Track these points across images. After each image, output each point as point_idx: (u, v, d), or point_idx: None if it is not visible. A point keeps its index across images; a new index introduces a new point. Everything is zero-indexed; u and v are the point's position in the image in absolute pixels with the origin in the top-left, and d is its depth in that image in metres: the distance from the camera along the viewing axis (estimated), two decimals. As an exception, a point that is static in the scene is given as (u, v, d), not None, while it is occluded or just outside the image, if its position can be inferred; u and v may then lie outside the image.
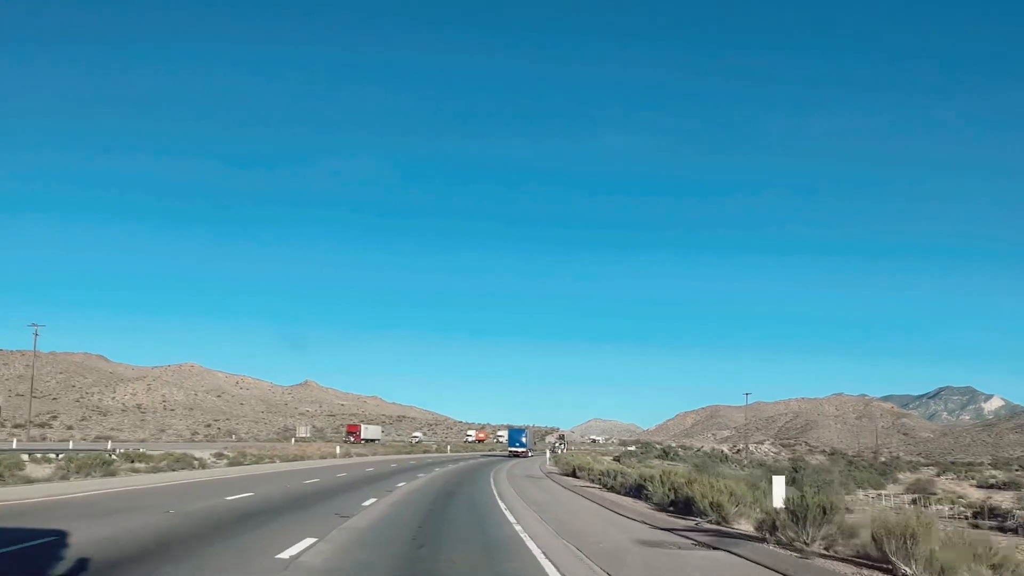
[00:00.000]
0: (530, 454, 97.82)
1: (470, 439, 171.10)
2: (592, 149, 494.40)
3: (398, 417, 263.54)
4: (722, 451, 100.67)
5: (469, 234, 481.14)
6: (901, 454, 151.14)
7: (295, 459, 50.78)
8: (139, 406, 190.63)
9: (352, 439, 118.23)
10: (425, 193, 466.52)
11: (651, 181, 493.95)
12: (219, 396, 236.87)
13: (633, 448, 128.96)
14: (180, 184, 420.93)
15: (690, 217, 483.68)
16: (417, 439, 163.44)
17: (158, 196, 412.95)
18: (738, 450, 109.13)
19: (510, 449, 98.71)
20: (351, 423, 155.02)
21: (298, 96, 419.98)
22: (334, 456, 62.05)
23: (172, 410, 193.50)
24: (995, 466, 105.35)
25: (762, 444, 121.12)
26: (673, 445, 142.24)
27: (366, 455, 69.85)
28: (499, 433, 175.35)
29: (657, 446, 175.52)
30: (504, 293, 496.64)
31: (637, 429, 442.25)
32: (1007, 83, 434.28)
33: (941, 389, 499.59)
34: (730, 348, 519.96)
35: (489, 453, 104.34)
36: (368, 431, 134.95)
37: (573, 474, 47.18)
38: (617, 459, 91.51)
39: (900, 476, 66.76)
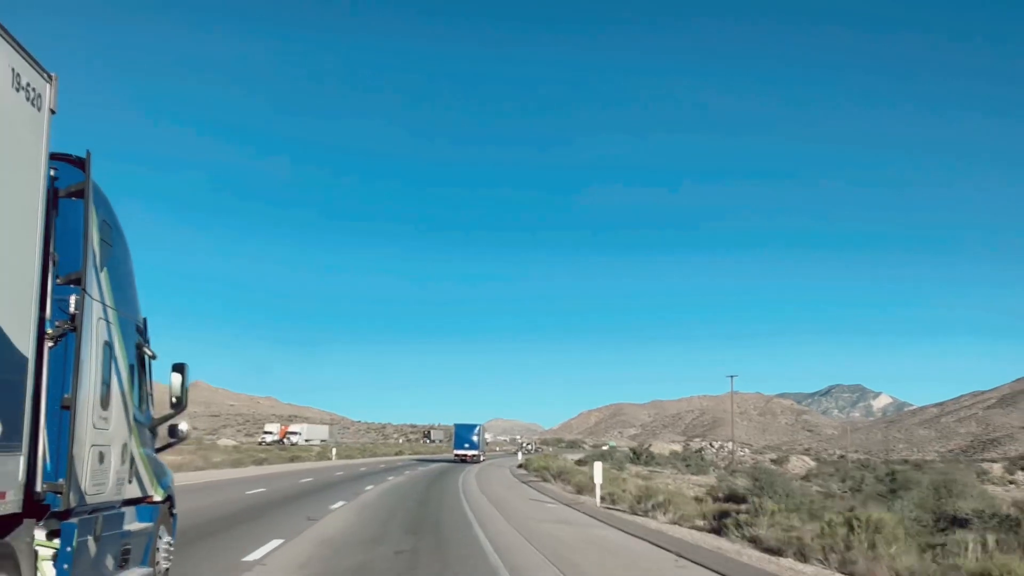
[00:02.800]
0: (482, 458, 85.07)
1: (271, 436, 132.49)
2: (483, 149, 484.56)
3: (290, 416, 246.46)
4: (699, 452, 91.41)
5: (361, 234, 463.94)
6: (849, 452, 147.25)
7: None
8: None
9: None
10: (318, 191, 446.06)
11: (530, 177, 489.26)
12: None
13: (615, 449, 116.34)
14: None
15: (579, 216, 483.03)
16: None
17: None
18: (699, 449, 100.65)
19: (456, 452, 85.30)
20: None
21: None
22: None
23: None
24: (959, 461, 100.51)
25: (728, 443, 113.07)
26: (615, 445, 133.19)
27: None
28: (291, 429, 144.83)
29: (585, 445, 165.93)
30: (404, 295, 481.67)
31: (539, 428, 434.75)
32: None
33: (832, 387, 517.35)
34: (633, 346, 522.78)
35: (431, 457, 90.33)
36: None
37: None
38: (581, 463, 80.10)
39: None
